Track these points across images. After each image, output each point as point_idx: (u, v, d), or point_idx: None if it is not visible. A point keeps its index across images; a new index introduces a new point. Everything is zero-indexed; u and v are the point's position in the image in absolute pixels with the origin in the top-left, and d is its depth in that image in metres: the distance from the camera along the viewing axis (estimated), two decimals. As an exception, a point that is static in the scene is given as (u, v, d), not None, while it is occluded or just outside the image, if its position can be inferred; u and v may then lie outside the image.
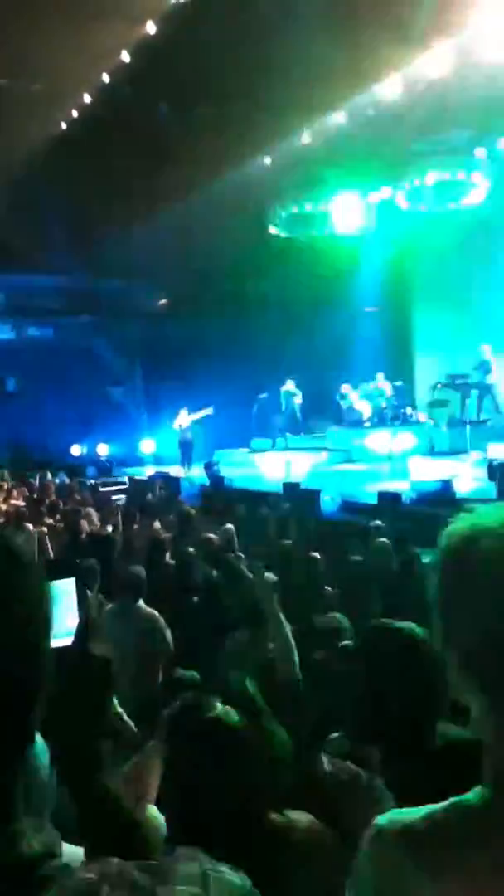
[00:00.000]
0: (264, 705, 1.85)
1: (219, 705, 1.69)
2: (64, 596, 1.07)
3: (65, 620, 1.06)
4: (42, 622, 0.81)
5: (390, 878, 1.04)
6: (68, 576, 1.08)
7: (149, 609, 5.47)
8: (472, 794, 1.08)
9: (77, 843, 1.24)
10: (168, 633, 5.42)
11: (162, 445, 21.42)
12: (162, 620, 5.45)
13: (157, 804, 1.78)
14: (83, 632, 1.05)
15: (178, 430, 19.45)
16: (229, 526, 8.41)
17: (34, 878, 0.74)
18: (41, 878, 0.75)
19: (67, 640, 1.04)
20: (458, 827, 1.05)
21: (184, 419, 19.30)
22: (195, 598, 6.11)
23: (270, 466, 16.51)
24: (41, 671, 0.81)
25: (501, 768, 1.06)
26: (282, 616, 3.16)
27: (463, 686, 1.10)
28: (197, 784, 1.61)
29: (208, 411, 19.46)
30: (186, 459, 19.04)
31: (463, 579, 1.08)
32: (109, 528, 9.85)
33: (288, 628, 3.14)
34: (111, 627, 5.04)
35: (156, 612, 5.47)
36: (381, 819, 1.09)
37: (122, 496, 13.87)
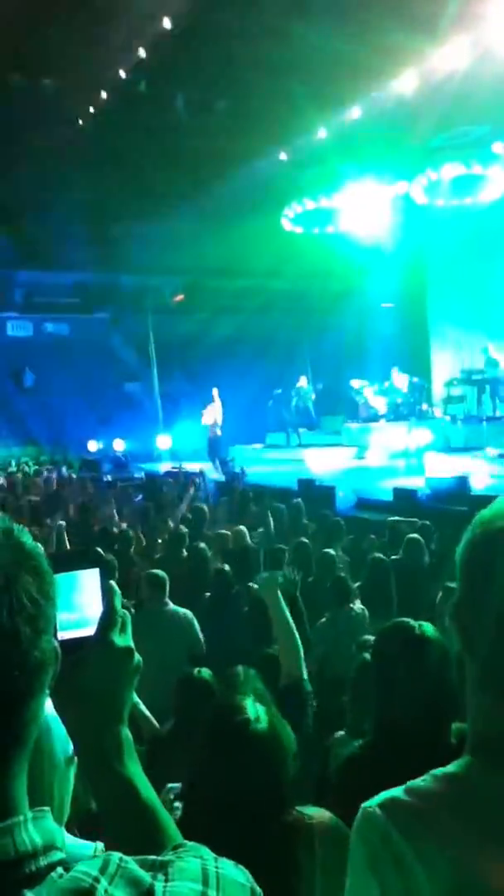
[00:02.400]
0: (270, 701, 1.87)
1: (250, 705, 1.72)
2: (87, 586, 1.07)
3: (86, 611, 1.06)
4: (29, 623, 0.79)
5: (381, 853, 1.06)
6: (91, 566, 1.09)
7: (173, 605, 5.51)
8: (454, 765, 1.11)
9: (97, 836, 1.26)
10: (199, 631, 5.44)
11: (178, 441, 21.46)
12: (188, 614, 5.47)
13: (181, 798, 1.80)
14: (105, 622, 1.05)
15: (206, 427, 18.91)
16: (241, 527, 8.41)
17: (23, 873, 0.73)
18: (31, 873, 0.73)
19: (89, 631, 1.04)
20: (441, 795, 1.08)
21: (210, 414, 18.86)
22: (207, 594, 6.14)
23: (316, 461, 16.24)
24: (28, 671, 0.79)
25: (481, 738, 1.10)
26: (287, 615, 3.16)
27: (468, 664, 1.13)
28: (222, 780, 1.64)
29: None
30: (215, 456, 18.61)
31: (480, 570, 1.11)
32: (125, 524, 9.89)
33: (293, 626, 3.14)
34: (135, 626, 5.04)
35: (188, 612, 5.48)
36: (366, 803, 1.11)
37: (139, 491, 13.91)
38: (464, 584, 1.14)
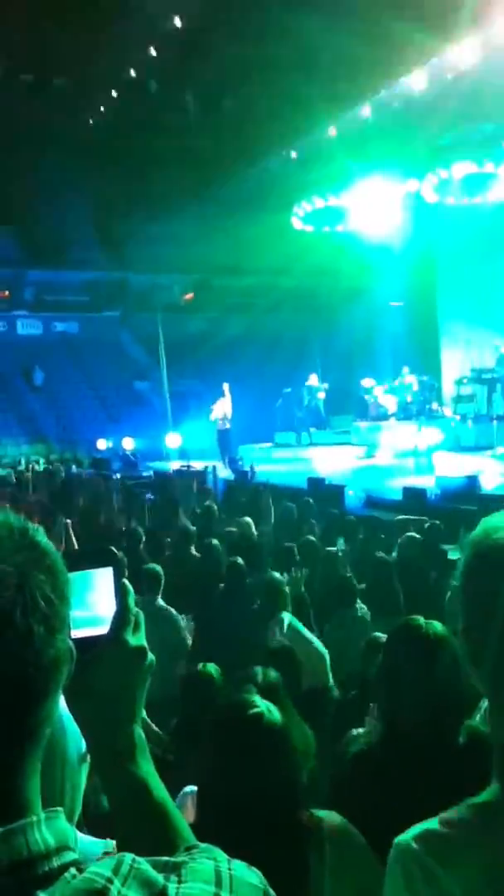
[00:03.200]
0: (287, 698, 1.86)
1: (259, 701, 1.71)
2: (100, 584, 1.07)
3: (99, 609, 1.06)
4: (45, 622, 0.79)
5: (422, 887, 1.07)
6: (105, 565, 1.09)
7: (164, 603, 5.54)
8: (486, 794, 1.11)
9: (109, 835, 1.26)
10: (183, 628, 5.49)
11: (187, 439, 21.49)
12: (176, 614, 5.52)
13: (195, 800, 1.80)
14: (119, 621, 1.05)
15: (215, 422, 18.83)
16: (247, 519, 8.44)
17: (36, 874, 0.72)
18: (44, 874, 0.72)
19: (102, 630, 1.04)
20: (475, 825, 1.08)
21: (220, 408, 18.71)
22: (220, 585, 6.15)
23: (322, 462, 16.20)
24: (43, 671, 0.79)
25: None
26: (308, 635, 3.16)
27: (479, 684, 1.13)
28: (236, 781, 1.63)
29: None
30: (225, 451, 18.45)
31: (486, 576, 1.10)
32: (134, 522, 9.92)
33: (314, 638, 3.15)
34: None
35: (170, 608, 5.54)
36: (398, 837, 1.12)
37: (148, 490, 13.93)
38: (467, 609, 1.13)
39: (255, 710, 1.69)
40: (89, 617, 1.04)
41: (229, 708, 1.76)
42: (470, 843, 1.06)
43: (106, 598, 1.06)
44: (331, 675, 3.01)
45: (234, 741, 1.68)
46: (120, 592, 1.07)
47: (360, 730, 3.23)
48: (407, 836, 1.10)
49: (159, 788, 1.02)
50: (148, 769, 1.02)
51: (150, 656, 1.07)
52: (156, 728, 3.66)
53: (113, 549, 1.20)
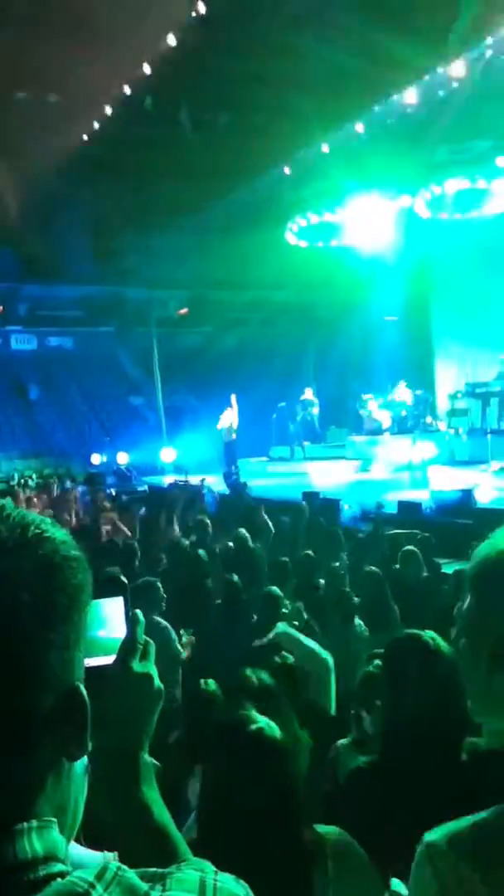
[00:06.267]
0: (288, 706, 1.85)
1: (259, 717, 1.70)
2: (110, 614, 1.08)
3: (110, 638, 1.08)
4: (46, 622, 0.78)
5: (453, 887, 1.06)
6: (115, 594, 1.09)
7: (161, 619, 5.50)
8: None
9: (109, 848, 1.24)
10: (176, 642, 5.45)
11: (182, 454, 21.47)
12: (170, 628, 5.49)
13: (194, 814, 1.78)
14: (126, 649, 1.06)
15: (221, 432, 18.72)
16: (241, 530, 8.41)
17: (21, 882, 0.72)
18: (28, 882, 0.72)
19: (111, 659, 1.06)
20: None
21: (227, 419, 18.60)
22: (217, 602, 6.12)
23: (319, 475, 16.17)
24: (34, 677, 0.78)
25: None
26: (312, 645, 3.18)
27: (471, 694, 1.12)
28: (237, 798, 1.62)
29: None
30: (231, 461, 18.30)
31: (495, 592, 1.09)
32: (129, 536, 9.87)
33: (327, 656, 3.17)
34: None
35: (163, 620, 5.52)
36: (428, 835, 1.10)
37: (142, 504, 13.89)
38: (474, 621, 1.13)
39: (255, 725, 1.67)
40: (99, 645, 1.05)
41: (229, 726, 1.74)
42: (501, 854, 1.05)
43: (115, 628, 1.08)
44: (333, 700, 2.99)
45: (235, 759, 1.67)
46: (130, 622, 1.09)
47: (345, 741, 3.19)
48: (437, 837, 1.09)
49: (161, 811, 1.03)
50: (152, 794, 1.04)
51: (158, 684, 1.07)
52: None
53: (124, 578, 1.22)
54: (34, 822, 0.76)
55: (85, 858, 1.28)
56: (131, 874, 0.77)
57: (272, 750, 1.64)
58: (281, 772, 1.64)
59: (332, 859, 1.62)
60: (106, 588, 1.08)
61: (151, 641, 1.10)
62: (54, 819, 0.79)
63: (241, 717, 1.71)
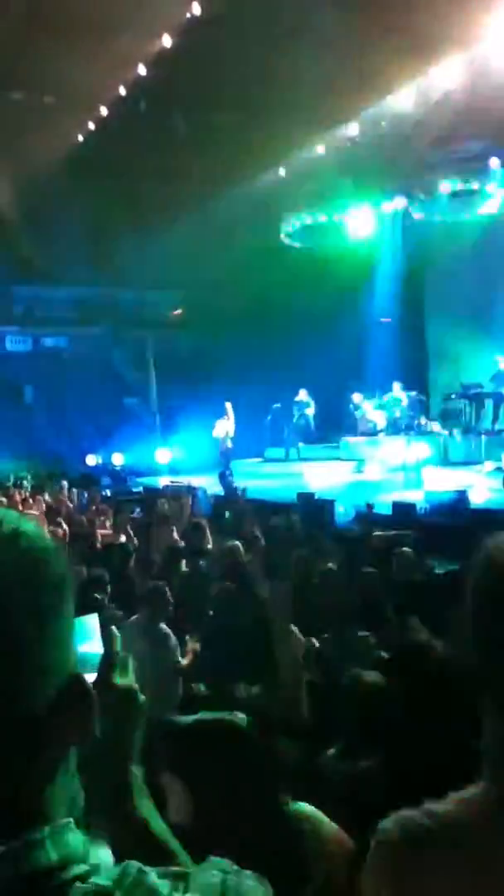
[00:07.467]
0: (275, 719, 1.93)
1: (239, 715, 1.77)
2: (88, 631, 1.09)
3: (86, 653, 1.08)
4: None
5: (400, 876, 1.05)
6: (90, 611, 1.11)
7: (161, 624, 5.49)
8: (472, 790, 1.10)
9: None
10: (178, 649, 5.42)
11: (177, 455, 21.46)
12: (172, 635, 5.46)
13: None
14: (106, 664, 1.07)
15: (217, 439, 18.70)
16: (236, 543, 8.37)
17: (47, 888, 0.71)
18: (54, 888, 0.71)
19: (90, 676, 1.05)
20: (459, 819, 1.07)
21: (222, 427, 18.61)
22: (210, 610, 6.11)
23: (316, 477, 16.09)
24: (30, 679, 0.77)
25: (496, 766, 1.08)
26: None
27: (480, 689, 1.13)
28: (216, 790, 1.67)
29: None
30: (226, 468, 18.18)
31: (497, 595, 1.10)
32: (123, 538, 9.85)
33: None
34: (130, 642, 4.98)
35: (166, 627, 5.48)
36: (383, 822, 1.10)
37: (137, 505, 13.88)
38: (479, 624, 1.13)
39: (234, 720, 1.78)
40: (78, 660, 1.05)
41: (213, 722, 1.79)
42: (456, 842, 1.04)
43: (92, 645, 1.09)
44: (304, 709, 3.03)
45: (210, 751, 1.76)
46: (106, 638, 1.09)
47: (332, 751, 3.20)
48: (391, 823, 1.08)
49: (158, 824, 1.04)
50: (146, 805, 1.04)
51: (141, 697, 1.08)
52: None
53: (97, 595, 1.24)
54: (46, 830, 0.75)
55: (101, 859, 1.29)
56: (152, 876, 0.76)
57: (243, 739, 1.76)
58: (256, 758, 1.73)
59: (308, 826, 1.78)
60: (90, 588, 1.10)
61: (129, 655, 1.10)
62: (69, 819, 0.78)
63: (222, 721, 1.80)
